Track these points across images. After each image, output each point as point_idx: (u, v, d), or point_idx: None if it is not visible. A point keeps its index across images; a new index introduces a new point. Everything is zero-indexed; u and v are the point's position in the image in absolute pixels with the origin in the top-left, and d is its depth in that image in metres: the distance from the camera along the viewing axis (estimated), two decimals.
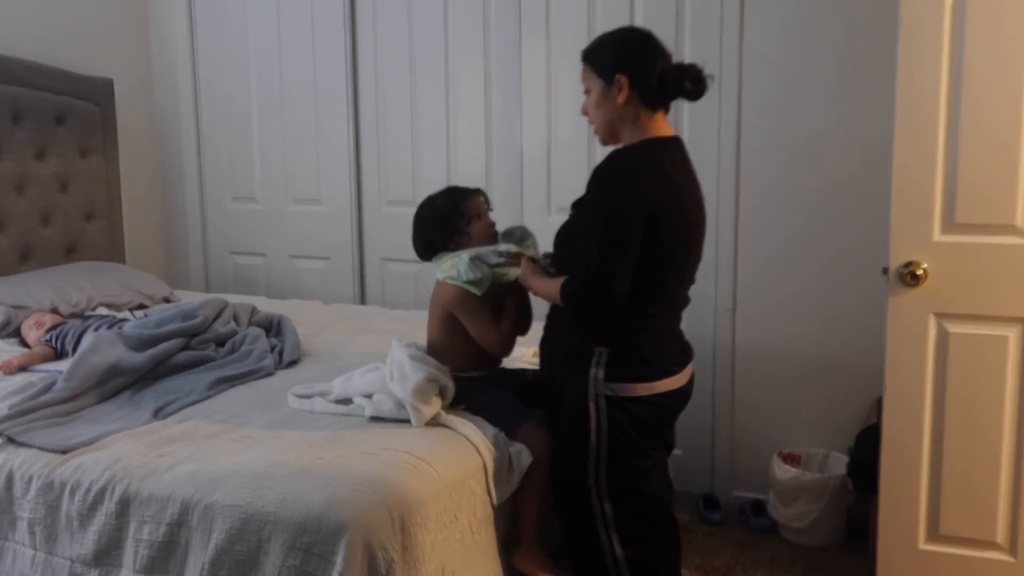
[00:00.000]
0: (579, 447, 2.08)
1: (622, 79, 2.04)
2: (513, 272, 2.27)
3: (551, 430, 2.20)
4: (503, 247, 2.30)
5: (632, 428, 2.07)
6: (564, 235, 2.19)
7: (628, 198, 1.98)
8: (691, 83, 2.05)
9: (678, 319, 2.19)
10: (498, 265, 2.27)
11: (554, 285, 2.10)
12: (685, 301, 2.19)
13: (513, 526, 2.20)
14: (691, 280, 2.17)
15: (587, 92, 2.14)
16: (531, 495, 2.17)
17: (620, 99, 2.05)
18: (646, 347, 2.08)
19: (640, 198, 1.98)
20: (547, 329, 2.25)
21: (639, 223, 1.97)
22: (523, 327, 2.40)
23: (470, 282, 2.25)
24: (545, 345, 2.26)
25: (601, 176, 2.04)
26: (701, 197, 2.14)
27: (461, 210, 2.35)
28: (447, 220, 2.36)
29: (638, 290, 2.01)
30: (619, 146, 2.11)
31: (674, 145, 2.11)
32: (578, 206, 2.16)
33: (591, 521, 2.09)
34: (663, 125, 2.09)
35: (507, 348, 2.35)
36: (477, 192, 2.42)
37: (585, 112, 2.16)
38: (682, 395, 2.16)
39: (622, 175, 2.02)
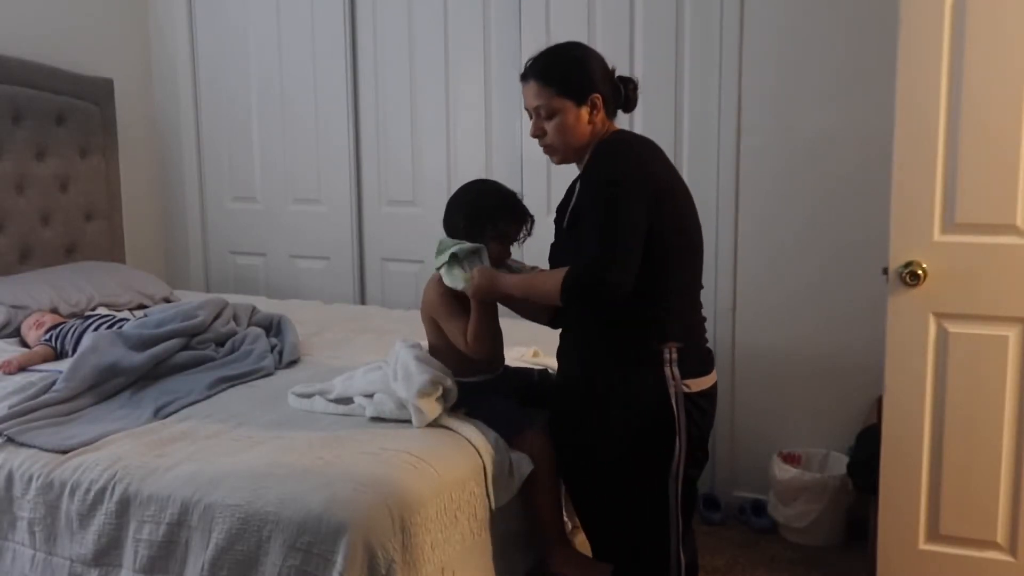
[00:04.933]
0: (661, 452, 2.00)
1: (597, 99, 2.04)
2: (463, 277, 2.13)
3: (567, 439, 2.12)
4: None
5: (703, 423, 2.06)
6: (559, 249, 2.15)
7: (627, 174, 1.96)
8: (632, 94, 2.12)
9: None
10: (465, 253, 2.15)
11: (540, 280, 2.04)
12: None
13: (529, 532, 2.19)
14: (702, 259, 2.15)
15: (548, 114, 2.04)
16: (548, 500, 2.15)
17: (599, 117, 2.06)
18: (701, 337, 2.09)
19: (640, 172, 1.97)
20: (566, 338, 2.15)
21: (642, 199, 1.92)
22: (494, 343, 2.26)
23: (457, 258, 2.15)
24: (574, 352, 2.13)
25: (595, 166, 2.02)
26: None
27: (496, 221, 2.21)
28: (479, 219, 2.20)
29: (679, 279, 2.01)
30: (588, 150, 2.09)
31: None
32: (561, 212, 2.12)
33: (663, 530, 2.02)
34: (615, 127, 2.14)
35: (482, 353, 2.20)
36: (526, 218, 2.25)
37: (542, 133, 2.06)
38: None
39: (615, 158, 2.01)
